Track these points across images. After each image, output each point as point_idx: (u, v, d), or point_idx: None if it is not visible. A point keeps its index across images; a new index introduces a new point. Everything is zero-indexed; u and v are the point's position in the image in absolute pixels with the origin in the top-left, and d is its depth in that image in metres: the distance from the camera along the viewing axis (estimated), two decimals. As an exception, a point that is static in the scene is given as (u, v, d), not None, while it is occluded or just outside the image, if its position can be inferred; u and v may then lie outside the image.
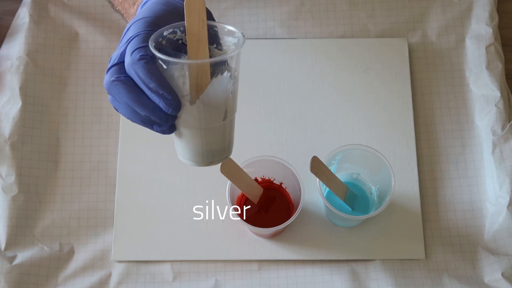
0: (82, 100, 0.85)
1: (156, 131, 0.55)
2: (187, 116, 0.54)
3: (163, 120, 0.53)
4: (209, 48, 0.54)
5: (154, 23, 0.55)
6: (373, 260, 0.77)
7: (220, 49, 0.56)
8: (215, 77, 0.53)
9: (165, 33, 0.54)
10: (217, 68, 0.54)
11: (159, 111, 0.53)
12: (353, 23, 0.88)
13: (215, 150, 0.57)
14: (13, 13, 0.87)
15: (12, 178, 0.78)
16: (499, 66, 0.83)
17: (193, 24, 0.52)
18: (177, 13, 0.56)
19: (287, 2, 0.89)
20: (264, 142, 0.82)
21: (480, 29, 0.86)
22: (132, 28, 0.55)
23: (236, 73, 0.55)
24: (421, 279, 0.75)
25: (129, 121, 0.84)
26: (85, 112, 0.84)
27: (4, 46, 0.85)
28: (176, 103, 0.52)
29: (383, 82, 0.85)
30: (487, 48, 0.84)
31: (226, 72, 0.53)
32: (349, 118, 0.83)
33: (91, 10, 0.88)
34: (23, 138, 0.80)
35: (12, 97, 0.82)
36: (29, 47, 0.84)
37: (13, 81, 0.82)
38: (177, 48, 0.55)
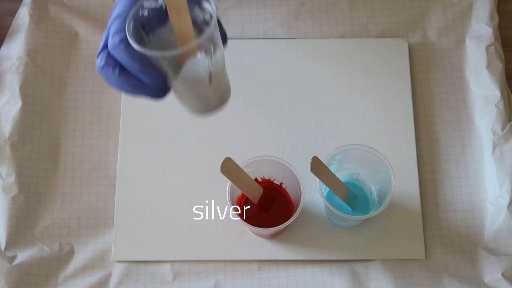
0: (82, 100, 0.85)
1: (153, 100, 0.57)
2: (175, 85, 0.57)
3: (155, 95, 0.56)
4: (192, 9, 0.55)
5: None
6: (373, 260, 0.77)
7: (203, 9, 0.57)
8: (188, 59, 0.55)
9: (145, 4, 0.55)
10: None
11: (149, 89, 0.55)
12: (353, 23, 0.88)
13: (209, 103, 0.61)
14: (13, 13, 0.87)
15: (12, 178, 0.78)
16: (499, 66, 0.83)
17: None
18: None
19: (287, 2, 0.89)
20: (264, 142, 0.82)
21: (480, 29, 0.86)
22: (118, 5, 0.56)
23: (214, 48, 0.56)
24: (421, 279, 0.75)
25: (129, 121, 0.84)
26: (85, 112, 0.84)
27: (4, 46, 0.85)
28: (162, 82, 0.54)
29: (383, 82, 0.85)
30: (487, 48, 0.84)
31: (199, 53, 0.55)
32: (349, 118, 0.83)
33: (91, 10, 0.88)
34: (23, 138, 0.80)
35: (12, 97, 0.82)
36: (29, 47, 0.84)
37: (13, 81, 0.82)
38: (162, 16, 0.56)
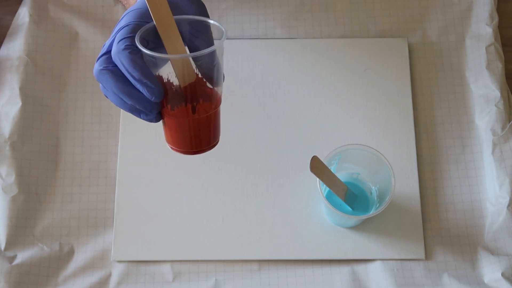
0: (82, 100, 0.85)
1: (143, 119, 0.58)
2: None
3: (148, 109, 0.56)
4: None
5: (146, 15, 0.56)
6: (373, 260, 0.77)
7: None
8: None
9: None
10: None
11: (144, 100, 0.55)
12: (353, 23, 0.88)
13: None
14: (13, 13, 0.87)
15: (12, 178, 0.78)
16: (499, 66, 0.83)
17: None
18: (171, 4, 0.57)
19: (287, 2, 0.89)
20: (264, 142, 0.82)
21: (480, 29, 0.86)
22: (125, 18, 0.57)
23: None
24: (421, 279, 0.75)
25: (129, 121, 0.84)
26: (85, 112, 0.84)
27: (4, 46, 0.85)
28: (158, 92, 0.54)
29: (383, 82, 0.85)
30: (487, 48, 0.84)
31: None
32: (349, 118, 0.83)
33: (91, 10, 0.88)
34: (23, 138, 0.80)
35: (12, 97, 0.82)
36: (29, 47, 0.84)
37: (13, 81, 0.82)
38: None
